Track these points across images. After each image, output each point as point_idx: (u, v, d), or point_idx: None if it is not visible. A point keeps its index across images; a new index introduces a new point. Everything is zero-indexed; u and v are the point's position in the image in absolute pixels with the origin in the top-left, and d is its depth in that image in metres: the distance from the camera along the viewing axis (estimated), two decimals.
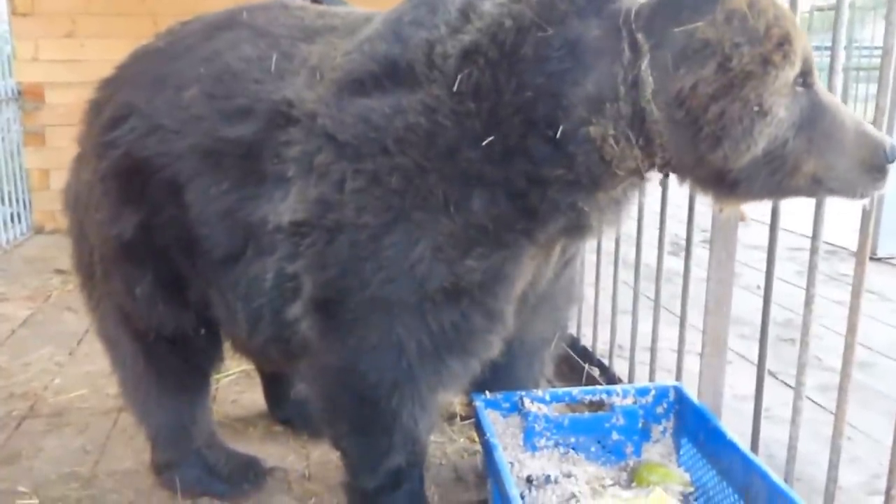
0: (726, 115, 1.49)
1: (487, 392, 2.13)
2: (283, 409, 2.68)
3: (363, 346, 1.70)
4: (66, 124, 5.21)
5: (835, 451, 1.85)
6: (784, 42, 1.49)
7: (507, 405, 2.15)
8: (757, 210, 4.83)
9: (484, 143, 1.57)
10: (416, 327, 1.66)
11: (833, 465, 1.86)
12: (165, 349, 2.10)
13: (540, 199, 1.61)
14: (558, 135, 1.55)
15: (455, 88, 1.58)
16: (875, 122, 1.71)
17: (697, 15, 1.48)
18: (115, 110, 2.00)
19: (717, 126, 1.50)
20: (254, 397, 2.83)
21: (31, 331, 3.68)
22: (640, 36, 1.51)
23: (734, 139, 1.50)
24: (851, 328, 1.77)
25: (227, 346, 2.22)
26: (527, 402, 2.11)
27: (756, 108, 1.49)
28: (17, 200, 5.53)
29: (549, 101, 1.55)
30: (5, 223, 5.30)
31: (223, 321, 1.99)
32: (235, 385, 3.02)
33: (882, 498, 1.75)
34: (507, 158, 1.59)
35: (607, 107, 1.53)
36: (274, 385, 2.67)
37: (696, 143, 1.53)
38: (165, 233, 1.93)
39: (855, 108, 10.88)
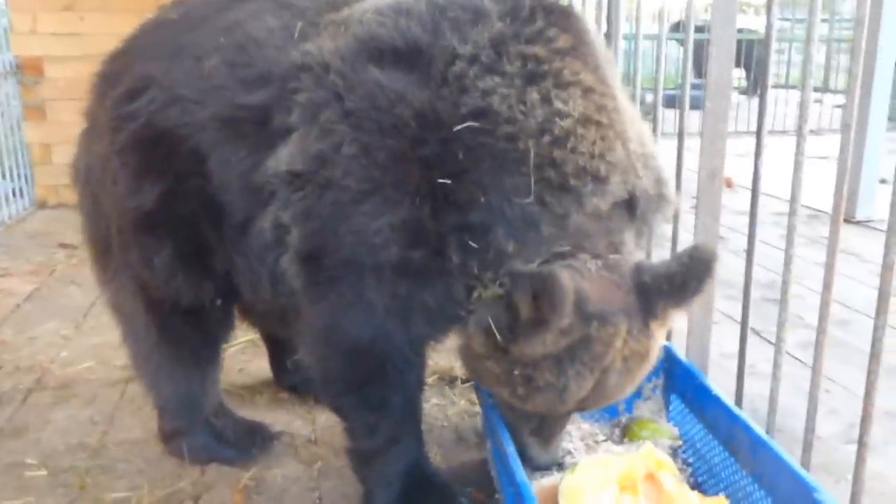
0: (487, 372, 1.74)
1: None
2: (289, 377, 2.72)
3: (341, 304, 1.75)
4: (67, 98, 5.16)
5: (811, 402, 1.95)
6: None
7: None
8: (745, 177, 4.90)
9: (441, 181, 1.62)
10: (381, 289, 1.71)
11: (810, 416, 1.96)
12: (180, 320, 2.14)
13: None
14: (469, 239, 1.62)
15: (457, 129, 1.60)
16: (848, 90, 1.79)
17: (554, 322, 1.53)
18: (132, 82, 2.01)
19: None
20: (260, 365, 2.88)
21: (36, 305, 3.67)
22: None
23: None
24: (827, 285, 1.85)
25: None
26: None
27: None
28: (19, 175, 5.50)
29: (485, 223, 1.61)
30: (7, 198, 5.27)
31: (247, 287, 2.01)
32: (242, 354, 3.06)
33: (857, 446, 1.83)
34: (440, 213, 1.64)
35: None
36: (279, 353, 2.72)
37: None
38: (190, 203, 1.95)
39: (837, 79, 10.97)
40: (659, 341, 1.72)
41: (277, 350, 2.73)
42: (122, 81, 2.04)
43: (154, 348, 2.21)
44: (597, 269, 1.60)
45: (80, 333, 3.32)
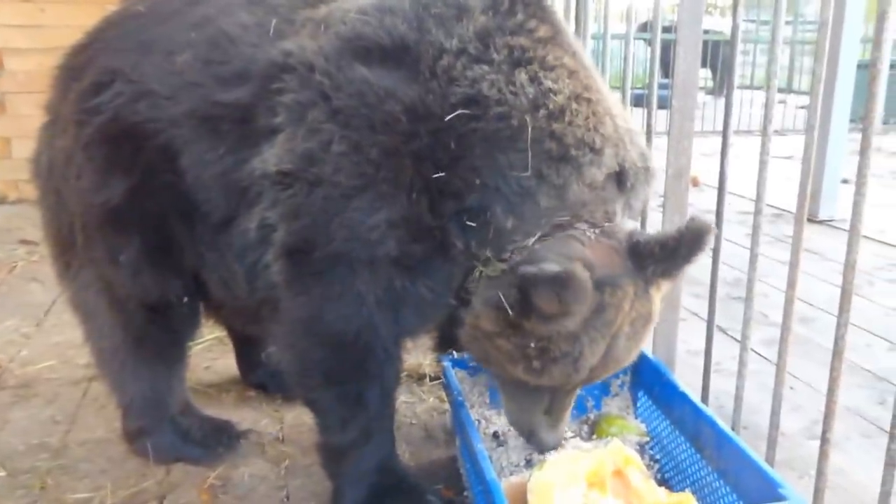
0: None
1: (455, 352, 2.21)
2: (256, 375, 2.70)
3: (327, 296, 1.75)
4: (28, 91, 5.05)
5: (776, 399, 1.98)
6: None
7: (473, 364, 2.22)
8: (712, 176, 4.97)
9: (434, 176, 1.64)
10: (373, 283, 1.71)
11: (774, 413, 1.99)
12: (145, 318, 2.11)
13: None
14: (467, 220, 1.65)
15: (447, 118, 1.62)
16: (812, 91, 1.82)
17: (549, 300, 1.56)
18: (97, 75, 1.97)
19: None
20: (227, 363, 2.85)
21: None
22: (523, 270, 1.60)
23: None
24: (791, 284, 1.89)
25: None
26: None
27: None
28: None
29: (483, 203, 1.63)
30: None
31: (220, 284, 1.99)
32: (208, 352, 3.02)
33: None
34: (438, 205, 1.66)
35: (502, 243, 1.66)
36: (246, 351, 2.69)
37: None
38: (159, 199, 1.93)
39: (800, 80, 11.17)
40: (658, 306, 1.75)
41: (245, 348, 2.70)
42: (87, 74, 2.00)
43: (118, 346, 2.17)
44: (596, 237, 1.65)
45: (41, 331, 3.26)
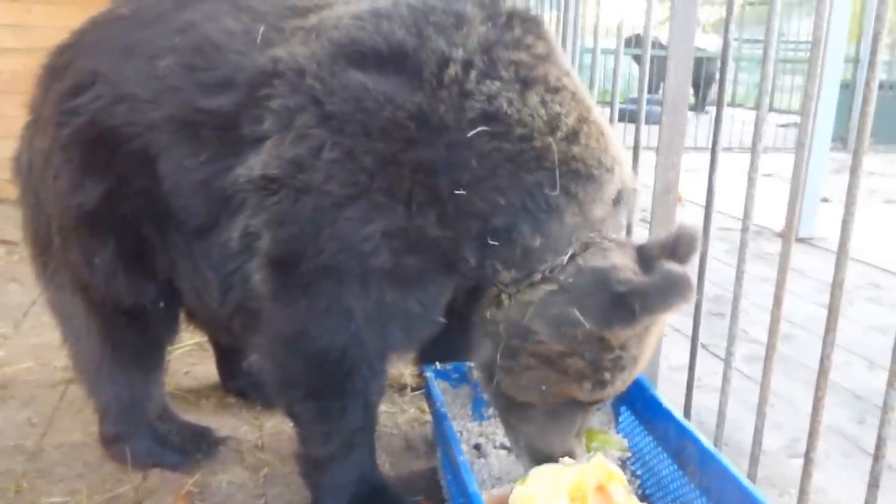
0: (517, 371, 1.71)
1: (437, 363, 2.21)
2: (237, 381, 2.67)
3: (314, 310, 1.72)
4: (12, 92, 4.99)
5: (759, 417, 1.99)
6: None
7: (456, 376, 2.22)
8: (693, 192, 5.00)
9: (456, 193, 1.61)
10: (363, 297, 1.69)
11: (758, 431, 2.00)
12: (122, 322, 2.08)
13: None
14: (491, 239, 1.64)
15: (469, 135, 1.60)
16: (803, 109, 1.84)
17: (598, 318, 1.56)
18: (78, 77, 1.95)
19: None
20: (207, 369, 2.83)
21: None
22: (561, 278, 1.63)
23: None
24: (777, 302, 1.89)
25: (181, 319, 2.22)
26: (475, 372, 2.20)
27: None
28: None
29: (508, 223, 1.63)
30: None
31: (192, 292, 1.97)
32: (188, 357, 3.00)
33: (801, 460, 1.88)
34: (453, 220, 1.65)
35: (513, 272, 1.66)
36: (227, 357, 2.66)
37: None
38: (134, 203, 1.90)
39: (782, 98, 11.34)
40: None
41: (225, 354, 2.67)
42: (68, 75, 1.98)
43: (95, 349, 2.15)
44: (619, 249, 1.67)
45: (20, 333, 3.22)
